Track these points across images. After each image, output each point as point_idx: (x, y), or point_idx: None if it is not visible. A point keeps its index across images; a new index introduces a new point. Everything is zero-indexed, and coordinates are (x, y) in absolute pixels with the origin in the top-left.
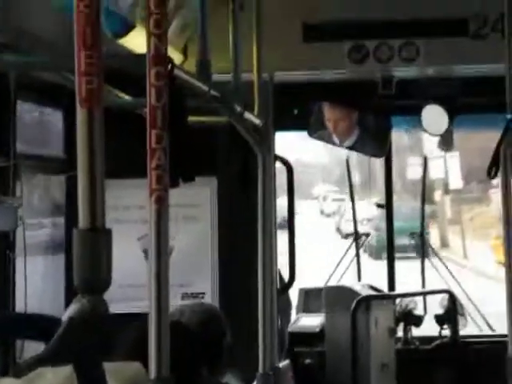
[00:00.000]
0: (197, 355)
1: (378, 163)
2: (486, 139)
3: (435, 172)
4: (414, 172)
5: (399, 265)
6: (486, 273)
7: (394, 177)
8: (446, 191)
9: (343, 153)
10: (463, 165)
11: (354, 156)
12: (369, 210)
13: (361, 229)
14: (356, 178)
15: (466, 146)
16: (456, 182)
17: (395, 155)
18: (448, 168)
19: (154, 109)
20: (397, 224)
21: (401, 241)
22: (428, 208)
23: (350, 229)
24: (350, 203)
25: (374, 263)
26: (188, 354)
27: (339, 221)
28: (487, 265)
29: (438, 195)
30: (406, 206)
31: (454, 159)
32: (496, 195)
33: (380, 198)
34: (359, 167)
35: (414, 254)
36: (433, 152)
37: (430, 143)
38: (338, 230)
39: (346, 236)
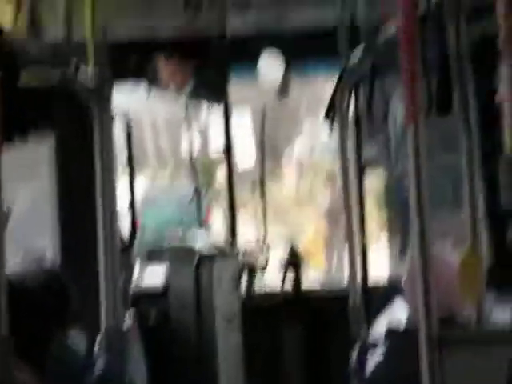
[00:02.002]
0: (39, 315)
1: (146, 134)
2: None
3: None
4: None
5: None
6: None
7: (168, 153)
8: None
9: None
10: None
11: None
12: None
13: None
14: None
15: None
16: (247, 159)
17: (168, 128)
18: (236, 139)
19: None
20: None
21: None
22: (210, 192)
23: None
24: None
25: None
26: (30, 314)
27: None
28: None
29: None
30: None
31: (244, 128)
32: (289, 170)
33: (153, 173)
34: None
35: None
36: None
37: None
38: None
39: None
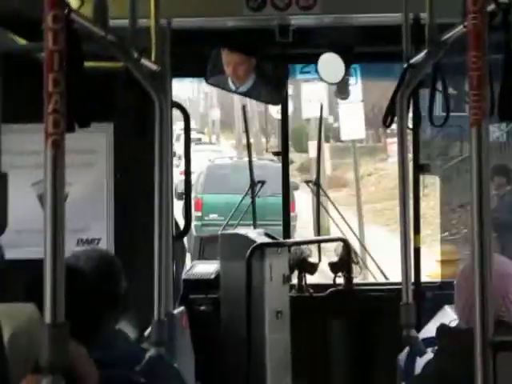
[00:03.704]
0: (92, 301)
1: (237, 102)
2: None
3: (311, 108)
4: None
5: None
6: None
7: (253, 116)
8: (327, 137)
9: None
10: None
11: (214, 93)
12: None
13: None
14: (215, 117)
15: None
16: (356, 129)
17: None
18: (341, 107)
19: (51, 53)
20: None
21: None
22: (297, 164)
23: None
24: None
25: None
26: (83, 299)
27: None
28: None
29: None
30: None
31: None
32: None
33: (236, 138)
34: (220, 105)
35: None
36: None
37: None
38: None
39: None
